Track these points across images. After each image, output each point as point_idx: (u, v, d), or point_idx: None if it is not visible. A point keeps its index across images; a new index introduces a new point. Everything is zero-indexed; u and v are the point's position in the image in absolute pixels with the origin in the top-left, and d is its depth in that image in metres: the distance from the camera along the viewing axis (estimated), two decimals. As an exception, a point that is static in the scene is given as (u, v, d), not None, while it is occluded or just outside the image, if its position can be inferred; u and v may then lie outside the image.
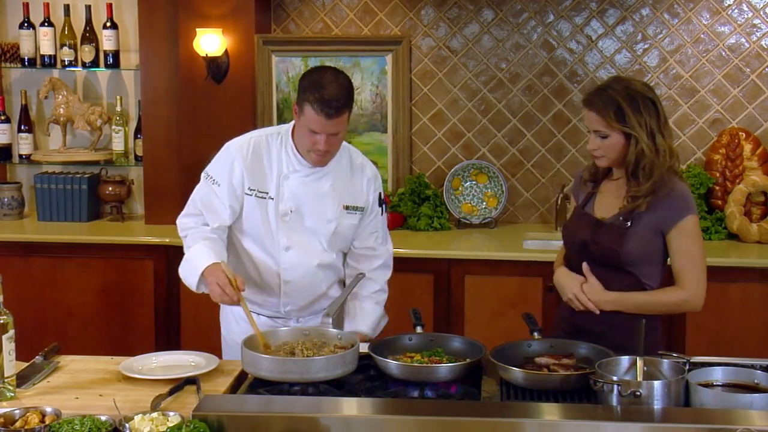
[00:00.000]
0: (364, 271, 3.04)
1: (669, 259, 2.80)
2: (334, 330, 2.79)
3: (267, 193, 2.94)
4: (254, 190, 2.94)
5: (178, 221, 3.07)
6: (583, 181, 2.96)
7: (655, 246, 2.76)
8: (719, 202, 4.55)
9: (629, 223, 2.75)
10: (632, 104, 2.70)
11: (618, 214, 2.78)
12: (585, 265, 2.81)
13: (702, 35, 4.61)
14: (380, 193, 3.09)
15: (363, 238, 3.07)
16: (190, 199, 3.05)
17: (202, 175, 3.02)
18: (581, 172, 3.01)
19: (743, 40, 4.58)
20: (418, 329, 2.85)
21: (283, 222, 2.94)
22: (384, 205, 3.12)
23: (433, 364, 2.59)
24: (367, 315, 3.04)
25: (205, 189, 2.99)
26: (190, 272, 2.88)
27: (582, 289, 2.80)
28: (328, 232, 2.98)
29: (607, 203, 2.85)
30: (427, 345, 2.76)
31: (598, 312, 2.78)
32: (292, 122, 2.98)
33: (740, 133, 4.56)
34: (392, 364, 2.56)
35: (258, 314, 2.99)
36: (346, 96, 2.80)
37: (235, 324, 3.08)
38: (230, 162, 2.95)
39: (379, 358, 2.58)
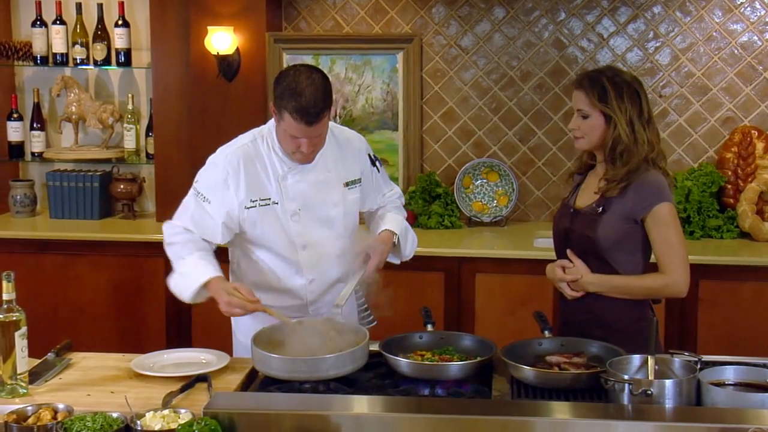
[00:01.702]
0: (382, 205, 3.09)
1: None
2: (344, 321, 2.79)
3: (269, 199, 2.89)
4: (255, 201, 2.87)
5: (164, 226, 2.96)
6: (571, 174, 3.06)
7: (629, 233, 2.80)
8: (731, 200, 4.53)
9: (601, 209, 2.81)
10: (617, 89, 2.79)
11: (593, 201, 2.85)
12: (569, 251, 2.87)
13: (714, 33, 4.59)
14: (370, 155, 3.07)
15: (370, 201, 3.08)
16: (182, 206, 2.95)
17: (192, 190, 2.92)
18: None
19: (756, 38, 4.56)
20: (429, 327, 2.85)
21: (294, 222, 2.92)
22: (377, 162, 3.09)
23: (444, 363, 2.59)
24: (392, 219, 3.00)
25: (195, 206, 2.89)
26: (185, 282, 2.82)
27: (562, 271, 2.86)
28: (339, 216, 2.96)
29: (588, 193, 2.91)
30: (438, 343, 2.76)
31: (572, 294, 2.83)
32: (271, 121, 2.92)
33: (752, 132, 4.54)
34: (403, 363, 2.56)
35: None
36: (324, 98, 2.73)
37: (246, 321, 3.07)
38: (222, 178, 2.86)
39: (389, 356, 2.59)
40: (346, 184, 2.98)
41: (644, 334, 2.66)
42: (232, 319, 3.15)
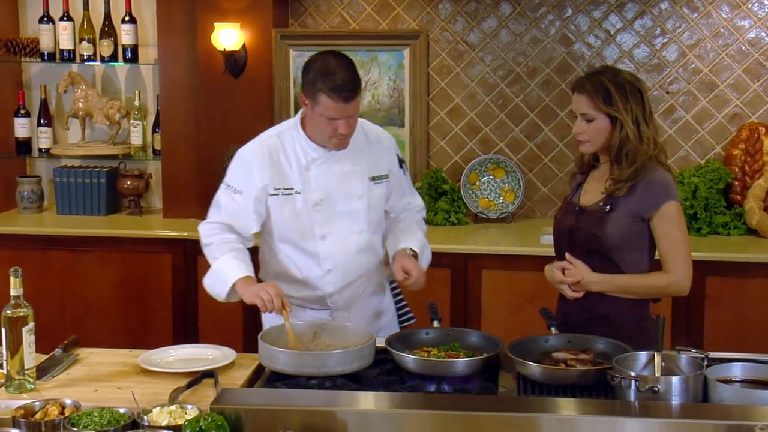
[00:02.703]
0: (402, 215, 3.13)
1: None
2: (350, 324, 2.79)
3: (292, 188, 2.93)
4: (279, 189, 2.93)
5: (200, 227, 3.02)
6: (573, 174, 3.04)
7: (636, 232, 2.79)
8: (738, 197, 4.52)
9: (608, 208, 2.79)
10: (620, 90, 2.77)
11: (599, 200, 2.83)
12: (567, 255, 2.86)
13: (722, 29, 4.57)
14: (398, 155, 3.13)
15: (393, 202, 3.12)
16: (213, 205, 3.02)
17: (222, 186, 3.01)
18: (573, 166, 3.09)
19: (763, 34, 4.55)
20: (435, 324, 2.85)
21: (315, 212, 2.94)
22: (404, 165, 3.15)
23: (450, 359, 2.59)
24: (412, 234, 3.03)
25: (228, 200, 2.96)
26: (218, 283, 2.88)
27: (563, 273, 2.84)
28: (363, 209, 2.99)
29: (592, 191, 2.90)
30: (444, 339, 2.76)
31: (573, 294, 2.82)
32: (297, 116, 2.99)
33: (760, 128, 4.52)
34: (409, 359, 2.56)
35: (302, 307, 3.01)
36: (356, 77, 2.83)
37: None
38: (248, 169, 2.94)
39: (396, 352, 2.59)
40: (373, 179, 3.01)
41: (647, 332, 2.67)
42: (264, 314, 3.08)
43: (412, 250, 2.97)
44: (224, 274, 2.85)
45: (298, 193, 2.93)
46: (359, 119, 2.99)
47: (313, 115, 2.87)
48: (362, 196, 2.98)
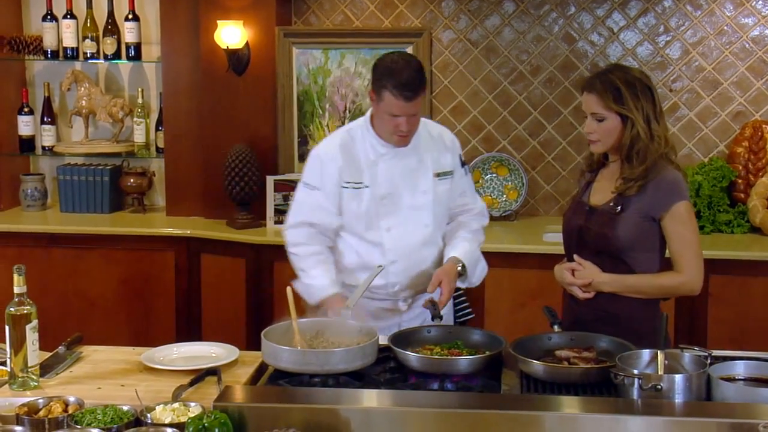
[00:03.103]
0: (459, 217, 3.19)
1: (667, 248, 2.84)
2: (354, 322, 2.79)
3: (361, 182, 3.06)
4: (350, 182, 3.06)
5: (285, 232, 3.14)
6: (582, 172, 3.03)
7: (646, 232, 2.78)
8: (742, 195, 4.51)
9: (619, 208, 2.78)
10: (630, 88, 2.76)
11: (610, 200, 2.82)
12: (576, 256, 2.85)
13: (725, 27, 4.57)
14: (460, 155, 3.22)
15: (454, 199, 3.19)
16: (293, 209, 3.14)
17: (300, 185, 3.13)
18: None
19: (767, 31, 4.54)
20: (437, 321, 2.85)
21: (382, 205, 3.06)
22: (465, 166, 3.24)
23: (453, 357, 2.59)
24: (463, 246, 3.09)
25: (308, 198, 3.09)
26: (307, 295, 3.01)
27: (573, 274, 2.84)
28: (428, 204, 3.09)
29: (602, 190, 2.89)
30: (447, 337, 2.76)
31: (584, 295, 2.82)
32: (367, 113, 3.11)
33: (763, 126, 4.51)
34: (412, 357, 2.56)
35: (370, 299, 3.07)
36: (421, 78, 2.94)
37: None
38: (322, 165, 3.07)
39: (398, 350, 2.59)
40: (437, 175, 3.12)
41: (658, 332, 2.66)
42: None
43: (462, 266, 3.05)
44: (314, 291, 3.00)
45: (367, 187, 3.05)
46: (424, 120, 3.14)
47: (378, 111, 3.00)
48: (427, 191, 3.09)
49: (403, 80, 2.89)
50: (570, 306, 2.95)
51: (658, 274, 2.81)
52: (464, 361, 2.55)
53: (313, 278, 3.02)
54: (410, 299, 3.15)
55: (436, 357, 2.59)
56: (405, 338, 2.71)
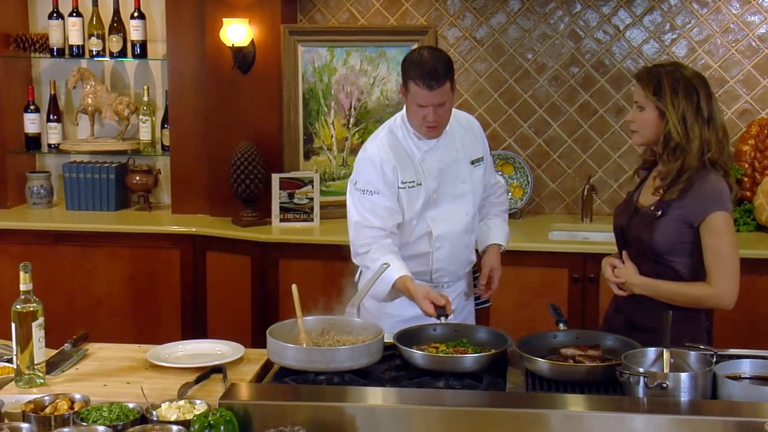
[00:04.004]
0: (490, 198, 3.33)
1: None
2: (359, 320, 2.79)
3: (414, 181, 3.12)
4: (406, 183, 3.11)
5: (353, 237, 3.12)
6: (636, 170, 3.03)
7: (685, 238, 2.76)
8: (748, 193, 4.50)
9: (660, 212, 2.77)
10: (673, 84, 2.76)
11: (652, 203, 2.81)
12: (624, 253, 2.87)
13: (731, 25, 4.55)
14: (485, 139, 3.35)
15: (485, 182, 3.31)
16: (353, 217, 3.11)
17: (356, 192, 3.12)
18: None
19: (773, 29, 4.53)
20: (443, 320, 2.85)
21: (432, 199, 3.14)
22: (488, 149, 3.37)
23: (458, 355, 2.58)
24: (498, 229, 3.29)
25: (368, 204, 3.09)
26: (379, 282, 2.96)
27: (612, 272, 2.87)
28: (469, 192, 3.19)
29: (648, 191, 2.88)
30: (452, 335, 2.76)
31: (620, 293, 2.84)
32: (402, 111, 3.16)
33: (770, 124, 4.51)
34: (417, 355, 2.56)
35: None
36: (445, 67, 2.99)
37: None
38: (379, 168, 3.09)
39: (404, 348, 2.59)
40: (472, 162, 3.21)
41: (692, 334, 2.65)
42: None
43: (500, 246, 3.25)
44: (386, 276, 2.96)
45: (419, 184, 3.12)
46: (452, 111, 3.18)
47: (407, 105, 3.07)
48: (466, 180, 3.18)
49: (426, 70, 2.95)
50: (607, 312, 2.99)
51: (689, 284, 2.78)
52: (469, 359, 2.55)
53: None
54: (450, 283, 3.23)
55: (442, 355, 2.59)
56: (410, 336, 2.71)
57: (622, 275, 2.84)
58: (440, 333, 2.77)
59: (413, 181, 3.12)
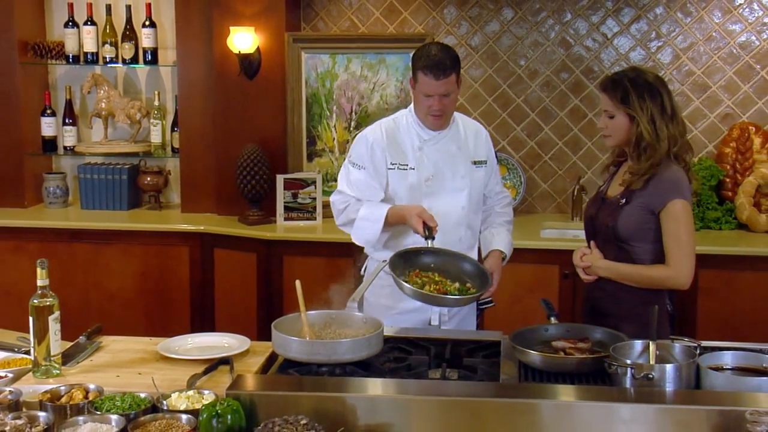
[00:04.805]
0: (494, 208, 3.34)
1: None
2: (360, 314, 2.79)
3: (407, 164, 3.15)
4: (396, 164, 3.15)
5: (333, 197, 3.20)
6: (605, 166, 3.09)
7: (647, 225, 2.81)
8: (729, 193, 4.50)
9: (624, 200, 2.83)
10: (637, 90, 2.81)
11: (618, 192, 2.87)
12: (592, 242, 2.93)
13: (714, 33, 4.55)
14: (493, 150, 3.37)
15: (490, 187, 3.34)
16: (341, 183, 3.19)
17: (347, 163, 3.20)
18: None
19: (754, 37, 4.53)
20: (429, 243, 2.97)
21: (426, 187, 3.15)
22: (497, 157, 3.41)
23: (441, 295, 2.78)
24: (502, 237, 3.28)
25: (353, 176, 3.17)
26: (371, 222, 3.07)
27: (579, 257, 2.92)
28: (466, 188, 3.19)
29: (617, 183, 2.93)
30: (443, 265, 2.93)
31: (586, 278, 2.91)
32: (412, 104, 3.20)
33: (750, 128, 4.51)
34: (406, 287, 2.76)
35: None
36: (452, 61, 3.05)
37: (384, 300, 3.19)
38: (369, 146, 3.15)
39: (396, 277, 2.78)
40: (474, 163, 3.24)
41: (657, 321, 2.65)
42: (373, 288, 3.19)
43: (503, 254, 3.24)
44: (375, 211, 3.07)
45: (413, 169, 3.14)
46: (459, 115, 3.26)
47: (415, 95, 3.12)
48: (465, 176, 3.20)
49: (434, 61, 3.01)
50: (584, 287, 3.02)
51: (649, 266, 2.83)
52: (451, 299, 2.79)
53: (369, 206, 3.09)
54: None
55: (427, 293, 2.76)
56: (405, 260, 2.89)
57: (588, 260, 2.89)
58: (432, 261, 2.94)
59: (406, 165, 3.14)
